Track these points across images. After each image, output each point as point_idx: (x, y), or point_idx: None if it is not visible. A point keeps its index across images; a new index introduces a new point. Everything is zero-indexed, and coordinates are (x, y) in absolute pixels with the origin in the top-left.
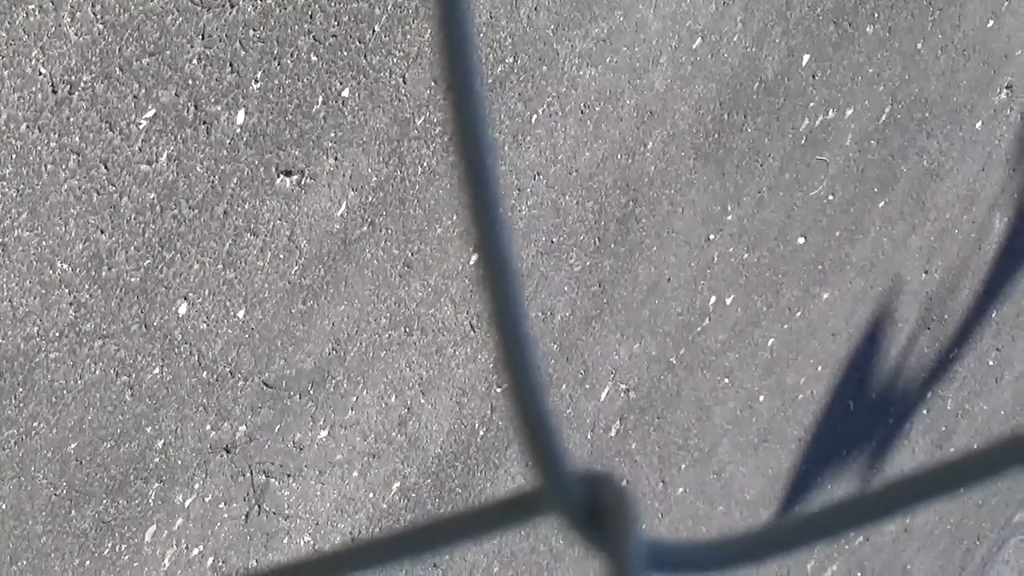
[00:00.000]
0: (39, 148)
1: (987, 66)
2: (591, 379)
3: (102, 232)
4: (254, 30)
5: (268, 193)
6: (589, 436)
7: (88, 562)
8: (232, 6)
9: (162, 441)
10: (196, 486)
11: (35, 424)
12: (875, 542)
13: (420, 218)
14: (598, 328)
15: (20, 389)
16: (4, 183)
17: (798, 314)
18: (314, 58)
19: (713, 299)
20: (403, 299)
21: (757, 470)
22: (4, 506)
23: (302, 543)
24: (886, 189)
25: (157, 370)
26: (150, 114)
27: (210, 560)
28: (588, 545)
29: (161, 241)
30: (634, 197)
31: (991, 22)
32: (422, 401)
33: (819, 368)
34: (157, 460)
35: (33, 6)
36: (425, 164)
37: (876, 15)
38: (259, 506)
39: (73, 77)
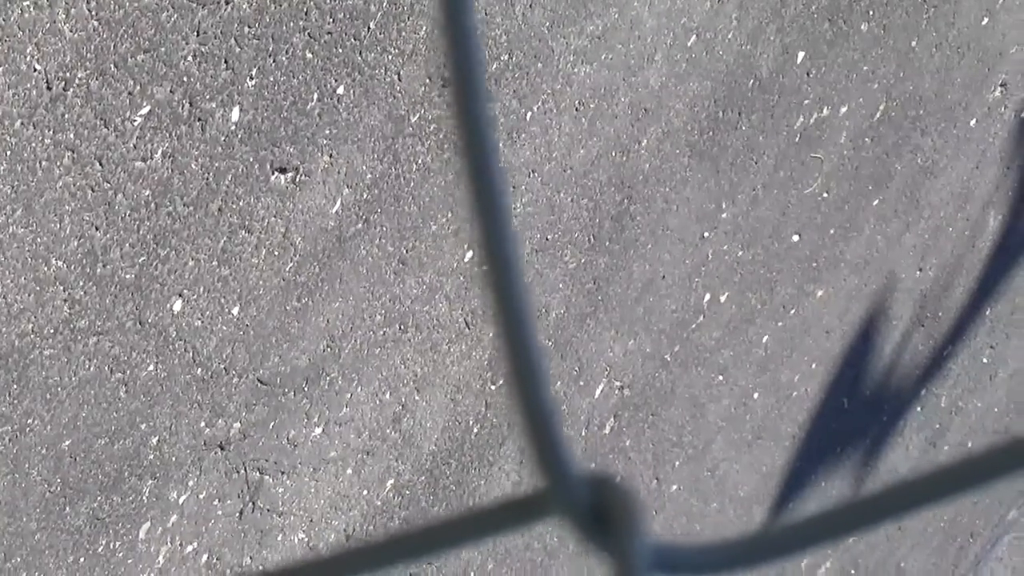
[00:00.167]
0: (34, 145)
1: (981, 64)
2: (585, 376)
3: (97, 229)
4: (249, 27)
5: (263, 190)
6: (583, 433)
7: (82, 559)
8: (227, 3)
9: (156, 438)
10: (190, 483)
11: (29, 421)
12: (869, 540)
13: (415, 215)
14: (593, 325)
15: (14, 386)
16: None
17: (792, 311)
18: (309, 55)
19: (707, 296)
20: (398, 296)
21: (751, 467)
22: None
23: (296, 540)
24: (880, 187)
25: (151, 367)
26: (145, 111)
27: (204, 557)
28: (592, 547)
29: (156, 238)
30: (629, 194)
31: (985, 20)
32: (416, 398)
33: (813, 365)
34: (151, 457)
35: (28, 2)
36: (420, 161)
37: (871, 13)
38: (253, 503)
39: (68, 74)
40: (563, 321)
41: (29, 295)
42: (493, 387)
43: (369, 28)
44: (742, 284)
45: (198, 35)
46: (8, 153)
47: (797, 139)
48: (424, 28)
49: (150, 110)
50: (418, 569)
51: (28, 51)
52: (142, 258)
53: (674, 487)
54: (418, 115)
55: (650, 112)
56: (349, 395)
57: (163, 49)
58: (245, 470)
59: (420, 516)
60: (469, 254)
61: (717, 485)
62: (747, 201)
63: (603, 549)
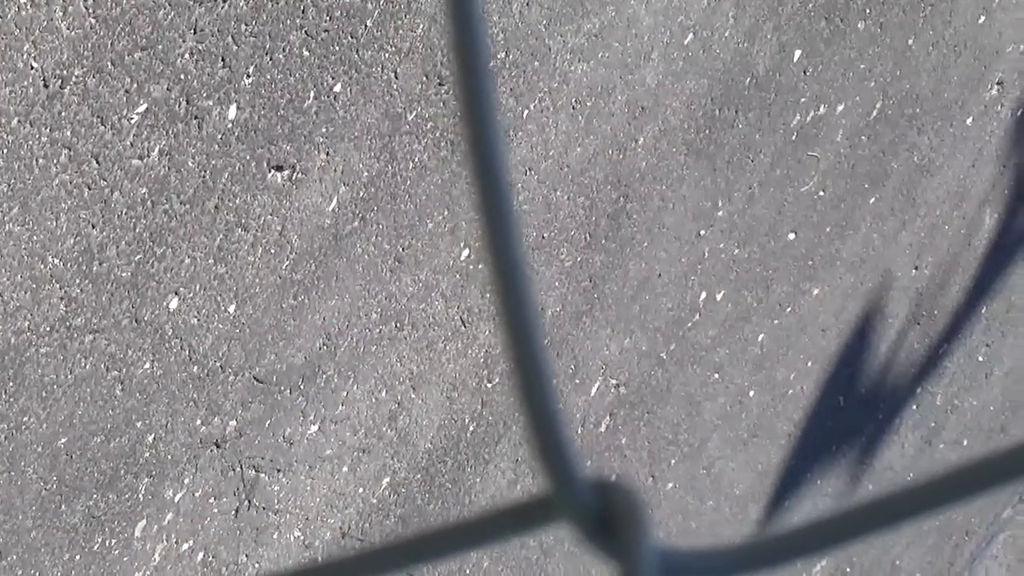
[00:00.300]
0: (30, 143)
1: (978, 62)
2: (581, 374)
3: (93, 227)
4: (246, 25)
5: (259, 188)
6: (579, 431)
7: (78, 557)
8: (224, 1)
9: (152, 436)
10: (186, 481)
11: (25, 419)
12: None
13: (411, 213)
14: (588, 323)
15: (10, 384)
16: None
17: (788, 310)
18: (306, 53)
19: (703, 295)
20: (394, 294)
21: (747, 465)
22: None
23: (292, 538)
24: (877, 185)
25: (148, 365)
26: (142, 109)
27: (200, 555)
28: (599, 552)
29: (152, 236)
30: (625, 193)
31: (982, 18)
32: (412, 396)
33: (809, 364)
34: (147, 455)
35: (25, 0)
36: (416, 159)
37: (867, 11)
38: (249, 501)
39: (65, 71)
40: (559, 319)
41: (25, 293)
42: (489, 385)
43: (366, 26)
44: (738, 282)
45: (195, 33)
46: (5, 151)
47: (794, 137)
48: (421, 26)
49: (147, 108)
50: (416, 570)
51: (25, 48)
52: (138, 256)
53: (670, 485)
54: (415, 113)
55: (647, 110)
56: (345, 393)
57: (160, 47)
58: (241, 468)
59: (416, 514)
60: (465, 252)
61: (713, 483)
62: (743, 199)
63: (609, 554)
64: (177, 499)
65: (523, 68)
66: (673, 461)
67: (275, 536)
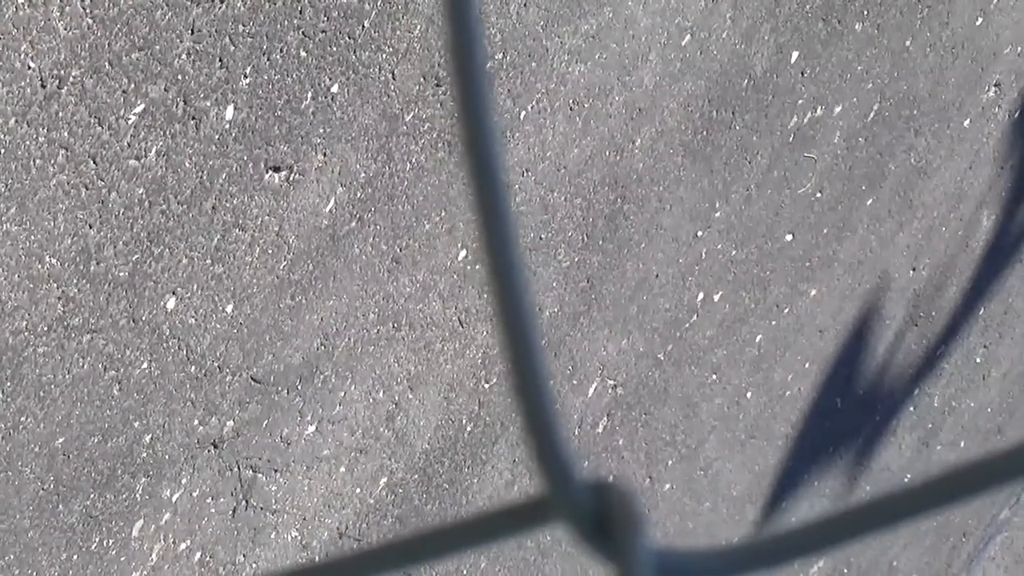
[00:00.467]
0: (28, 143)
1: (975, 64)
2: (579, 375)
3: (90, 227)
4: (243, 25)
5: (257, 189)
6: (576, 432)
7: (75, 556)
8: (222, 1)
9: (150, 436)
10: (183, 481)
11: (23, 419)
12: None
13: (408, 214)
14: (586, 324)
15: (8, 384)
16: None
17: (786, 311)
18: (303, 54)
19: (701, 295)
20: (391, 295)
21: (744, 466)
22: None
23: (289, 538)
24: (874, 186)
25: (145, 365)
26: (139, 109)
27: (197, 555)
28: (595, 553)
29: (149, 236)
30: (622, 194)
31: (980, 20)
32: (410, 396)
33: (806, 365)
34: (144, 455)
35: (22, 0)
36: (414, 160)
37: (865, 12)
38: (246, 501)
39: (62, 72)
40: (556, 320)
41: (23, 293)
42: (487, 386)
43: (363, 27)
44: (735, 283)
45: (192, 33)
46: (2, 151)
47: (791, 139)
48: (419, 27)
49: (144, 108)
50: (413, 570)
51: (22, 49)
52: (136, 256)
53: (667, 486)
54: (412, 114)
55: (644, 111)
56: (342, 393)
57: (158, 47)
58: (238, 468)
59: (413, 514)
60: (463, 253)
61: (710, 484)
62: (741, 200)
63: (605, 554)
64: (174, 499)
65: (520, 69)
66: (670, 462)
67: (272, 536)
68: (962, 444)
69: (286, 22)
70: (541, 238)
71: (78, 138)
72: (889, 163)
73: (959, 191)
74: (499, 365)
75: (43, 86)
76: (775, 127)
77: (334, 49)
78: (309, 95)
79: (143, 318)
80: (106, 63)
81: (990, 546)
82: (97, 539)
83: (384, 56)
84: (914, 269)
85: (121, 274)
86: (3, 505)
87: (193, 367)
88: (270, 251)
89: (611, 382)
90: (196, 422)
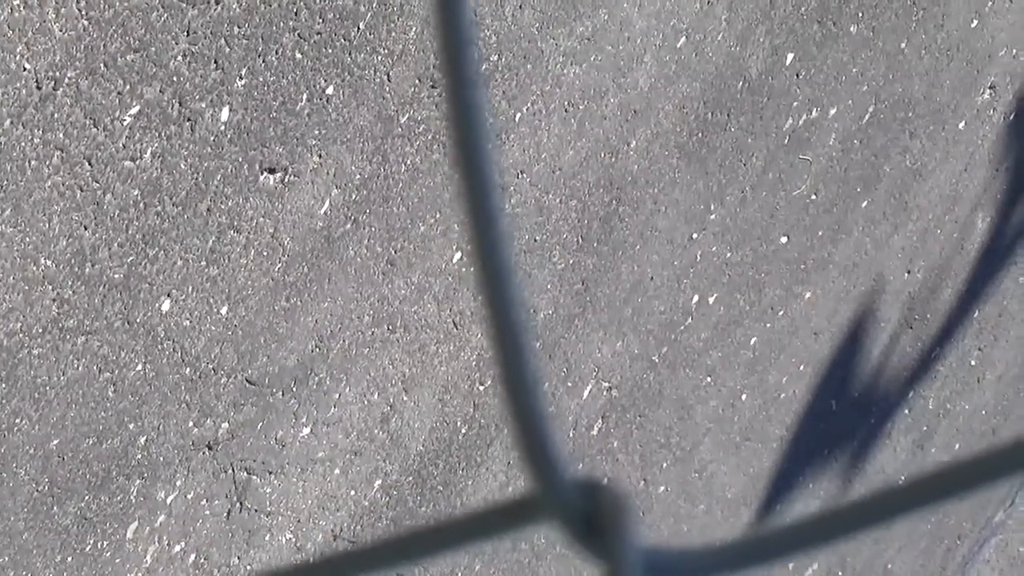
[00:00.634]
0: (23, 144)
1: (970, 66)
2: (573, 377)
3: (86, 228)
4: (239, 27)
5: (252, 190)
6: (571, 434)
7: (70, 558)
8: (217, 3)
9: (144, 438)
10: (178, 483)
11: (17, 420)
12: (856, 541)
13: (403, 216)
14: (581, 326)
15: (3, 385)
16: None
17: (780, 313)
18: (299, 55)
19: (696, 298)
20: (386, 297)
21: (739, 469)
22: None
23: (284, 540)
24: (869, 189)
25: (140, 367)
26: (134, 111)
27: (192, 557)
28: (584, 552)
29: (144, 238)
30: (617, 196)
31: (975, 22)
32: (404, 399)
33: (801, 367)
34: (139, 457)
35: (18, 2)
36: (409, 162)
37: (860, 14)
38: (241, 503)
39: (58, 73)
40: (551, 322)
41: (18, 294)
42: (481, 388)
43: (359, 29)
44: (730, 286)
45: (188, 35)
46: None
47: (786, 141)
48: (414, 29)
49: (140, 110)
50: (405, 569)
51: (18, 50)
52: (131, 258)
53: (662, 488)
54: (407, 116)
55: (639, 113)
56: (337, 395)
57: (153, 49)
58: (233, 470)
59: (407, 516)
60: (457, 255)
61: (705, 487)
62: (736, 203)
63: (595, 553)
64: (169, 501)
65: (516, 71)
66: (665, 464)
67: (267, 538)
68: (957, 447)
69: (281, 24)
70: (536, 240)
71: (73, 139)
72: (884, 165)
73: (954, 193)
74: (492, 366)
75: (39, 87)
76: (770, 129)
77: (329, 51)
78: (304, 97)
79: (138, 320)
80: (102, 65)
81: (984, 548)
82: (92, 541)
83: (379, 58)
84: (909, 271)
85: (116, 276)
86: None
87: (188, 369)
88: (265, 253)
89: (606, 384)
90: (191, 424)
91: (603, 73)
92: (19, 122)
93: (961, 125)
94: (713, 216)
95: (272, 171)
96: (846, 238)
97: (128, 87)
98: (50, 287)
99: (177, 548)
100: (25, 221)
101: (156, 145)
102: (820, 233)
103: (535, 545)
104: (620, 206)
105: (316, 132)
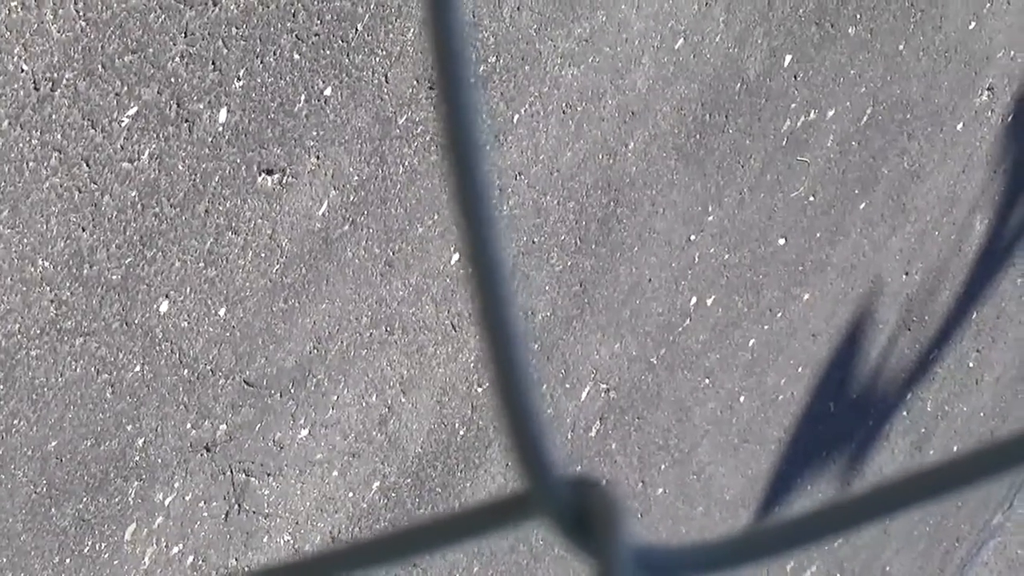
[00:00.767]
0: (21, 146)
1: (968, 68)
2: (572, 379)
3: (83, 230)
4: (237, 28)
5: (250, 192)
6: (569, 436)
7: (68, 560)
8: (215, 4)
9: (142, 439)
10: (176, 484)
11: (15, 422)
12: (854, 543)
13: (401, 217)
14: (579, 328)
15: (0, 387)
16: None
17: (779, 315)
18: (297, 57)
19: (694, 299)
20: (384, 298)
21: (737, 471)
22: None
23: (282, 542)
24: (867, 190)
25: (138, 368)
26: (132, 112)
27: (190, 559)
28: (576, 550)
29: (142, 239)
30: (615, 197)
31: (973, 24)
32: (403, 400)
33: (799, 369)
34: (137, 458)
35: (16, 3)
36: (407, 163)
37: (858, 16)
38: (239, 505)
39: (55, 74)
40: (549, 324)
41: (16, 296)
42: (479, 389)
43: (357, 30)
44: (728, 287)
45: (186, 36)
46: None
47: (784, 143)
48: (412, 30)
49: (137, 111)
50: (402, 571)
51: (16, 52)
52: (128, 259)
53: (660, 490)
54: (405, 117)
55: (637, 115)
56: (335, 397)
57: (151, 50)
58: (231, 472)
59: (406, 518)
60: (455, 256)
61: (703, 488)
62: (733, 204)
63: (586, 551)
64: (167, 503)
65: (513, 72)
66: (663, 466)
67: (265, 540)
68: (955, 448)
69: (279, 25)
70: (534, 242)
71: (71, 141)
72: (882, 167)
73: (952, 195)
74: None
75: (36, 89)
76: (768, 131)
77: (327, 52)
78: (302, 98)
79: (136, 321)
80: (99, 66)
81: (983, 551)
82: (89, 543)
83: (377, 59)
84: (907, 273)
85: (114, 277)
86: None
87: (186, 370)
88: (263, 254)
89: (604, 386)
90: (189, 426)
91: (601, 75)
92: (17, 123)
93: (959, 127)
94: (711, 218)
95: (270, 172)
96: (844, 240)
97: (126, 88)
98: (48, 288)
99: (175, 550)
100: (23, 222)
101: (154, 146)
102: (818, 235)
103: (533, 547)
104: (618, 208)
105: (314, 133)
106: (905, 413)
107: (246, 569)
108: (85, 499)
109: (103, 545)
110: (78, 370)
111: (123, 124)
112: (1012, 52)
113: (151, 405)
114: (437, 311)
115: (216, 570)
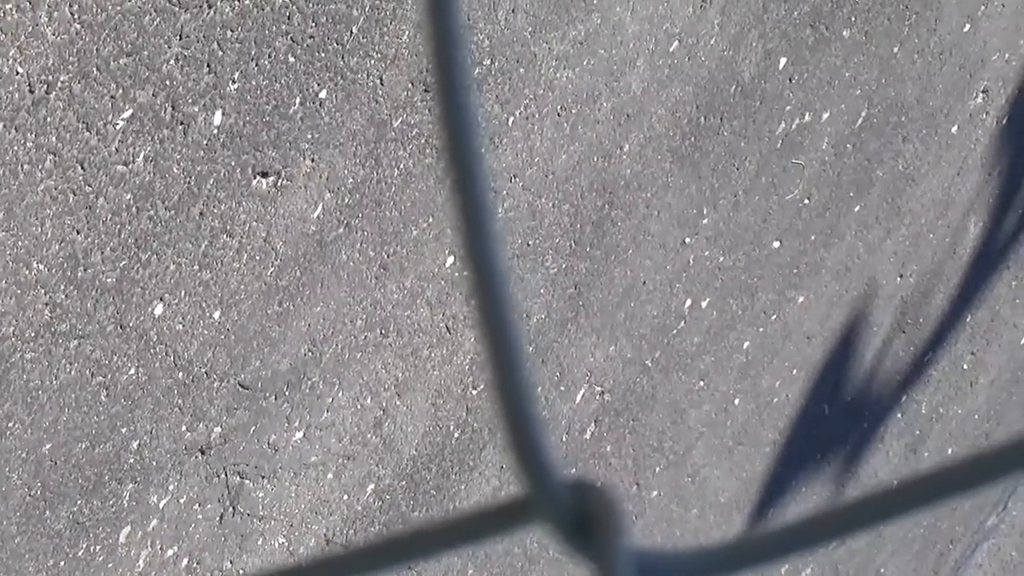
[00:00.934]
0: (15, 148)
1: (963, 70)
2: (566, 381)
3: (78, 233)
4: (232, 31)
5: (244, 194)
6: (564, 438)
7: (62, 563)
8: (210, 7)
9: (137, 442)
10: (171, 487)
11: (10, 424)
12: (849, 545)
13: (396, 220)
14: (573, 330)
15: None
16: None
17: (773, 317)
18: (291, 59)
19: (688, 302)
20: (379, 301)
21: (731, 473)
22: None
23: (276, 545)
24: (862, 193)
25: (132, 371)
26: (127, 114)
27: (184, 561)
28: (575, 554)
29: (137, 242)
30: (610, 200)
31: (967, 26)
32: (397, 403)
33: (794, 372)
34: (132, 461)
35: (10, 5)
36: (402, 166)
37: (853, 19)
38: (234, 507)
39: (50, 77)
40: (544, 326)
41: (10, 298)
42: (474, 392)
43: (352, 32)
44: (723, 290)
45: (180, 39)
46: None
47: (779, 145)
48: (407, 33)
49: (132, 114)
50: (397, 573)
51: (10, 54)
52: (123, 262)
53: (655, 493)
54: (400, 120)
55: (632, 117)
56: (330, 400)
57: (146, 53)
58: (226, 474)
59: (400, 521)
60: (450, 259)
61: (698, 491)
62: (728, 207)
63: (586, 555)
64: (162, 505)
65: (508, 75)
66: (658, 468)
67: (260, 543)
68: (950, 451)
69: (274, 28)
70: (529, 244)
71: (66, 143)
72: (877, 169)
73: (947, 198)
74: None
75: (31, 91)
76: (763, 133)
77: (322, 55)
78: (297, 101)
79: (131, 324)
80: (94, 68)
81: (977, 553)
82: (84, 545)
83: (372, 62)
84: (901, 276)
85: (108, 280)
86: None
87: (181, 373)
88: (258, 257)
89: (599, 388)
90: (183, 428)
91: (596, 77)
92: (12, 126)
93: (954, 129)
94: (706, 220)
95: (265, 175)
96: (839, 242)
97: (121, 91)
98: (42, 291)
99: (170, 552)
100: (17, 225)
101: (149, 149)
102: (813, 237)
103: (528, 549)
104: (613, 210)
105: (309, 136)
106: (900, 415)
107: (241, 572)
108: (80, 502)
109: (98, 548)
110: (73, 373)
111: (118, 127)
112: (1007, 55)
113: (146, 408)
114: (432, 314)
115: (211, 573)
